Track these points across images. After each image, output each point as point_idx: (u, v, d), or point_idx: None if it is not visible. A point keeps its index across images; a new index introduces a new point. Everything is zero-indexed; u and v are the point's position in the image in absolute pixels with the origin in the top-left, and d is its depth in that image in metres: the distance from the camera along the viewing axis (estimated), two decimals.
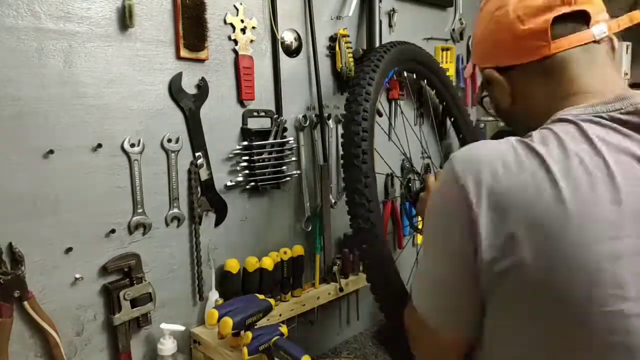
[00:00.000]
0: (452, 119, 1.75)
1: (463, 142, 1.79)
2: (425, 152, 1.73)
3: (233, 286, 1.18)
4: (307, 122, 1.34)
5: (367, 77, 1.18)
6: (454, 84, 1.75)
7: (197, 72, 1.11)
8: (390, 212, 1.62)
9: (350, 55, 1.40)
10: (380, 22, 1.46)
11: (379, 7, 1.46)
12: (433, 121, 1.78)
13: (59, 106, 0.92)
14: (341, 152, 1.14)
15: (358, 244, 1.11)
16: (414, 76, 1.57)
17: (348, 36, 1.40)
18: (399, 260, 1.64)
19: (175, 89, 1.07)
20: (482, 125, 2.01)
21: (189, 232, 1.14)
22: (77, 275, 0.97)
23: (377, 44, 1.45)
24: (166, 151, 1.08)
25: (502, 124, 1.94)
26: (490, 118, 2.01)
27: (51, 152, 0.91)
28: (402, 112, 1.65)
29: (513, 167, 0.61)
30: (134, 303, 1.03)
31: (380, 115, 1.50)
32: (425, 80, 1.63)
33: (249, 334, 0.98)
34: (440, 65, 1.66)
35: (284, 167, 1.28)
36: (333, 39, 1.40)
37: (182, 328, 1.06)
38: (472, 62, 0.88)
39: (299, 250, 1.30)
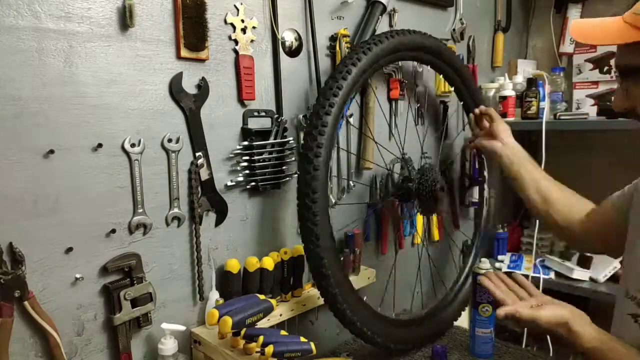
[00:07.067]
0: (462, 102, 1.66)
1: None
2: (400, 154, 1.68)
3: (233, 286, 1.18)
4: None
5: (327, 104, 1.14)
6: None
7: (197, 72, 1.11)
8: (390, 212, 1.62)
9: None
10: (375, 31, 1.43)
11: (378, 19, 1.43)
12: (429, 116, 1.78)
13: (59, 106, 0.92)
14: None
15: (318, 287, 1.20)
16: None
17: (348, 36, 1.40)
18: (399, 260, 1.65)
19: (175, 89, 1.07)
20: None
21: (189, 232, 1.14)
22: (78, 275, 0.97)
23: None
24: (166, 151, 1.08)
25: None
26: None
27: (51, 152, 0.91)
28: (407, 107, 1.64)
29: None
30: (135, 303, 1.03)
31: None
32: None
33: (262, 338, 0.98)
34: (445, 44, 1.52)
35: (284, 167, 1.28)
36: (334, 38, 1.39)
37: (182, 328, 1.06)
38: None
39: (299, 250, 1.30)
